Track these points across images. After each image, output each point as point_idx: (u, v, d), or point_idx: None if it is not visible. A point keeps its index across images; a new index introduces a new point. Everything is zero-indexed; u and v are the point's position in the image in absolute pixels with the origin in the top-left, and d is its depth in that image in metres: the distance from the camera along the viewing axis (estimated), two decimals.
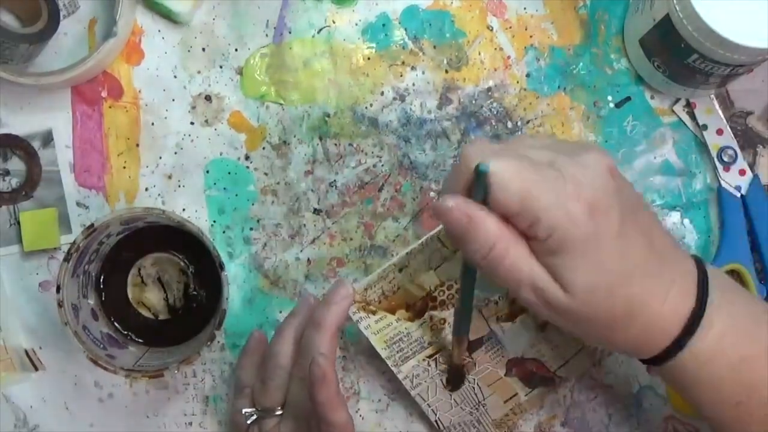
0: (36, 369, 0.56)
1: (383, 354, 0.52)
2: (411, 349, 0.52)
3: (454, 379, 0.53)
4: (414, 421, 0.56)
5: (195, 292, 0.55)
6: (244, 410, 0.50)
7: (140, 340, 0.55)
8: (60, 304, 0.49)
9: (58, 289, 0.49)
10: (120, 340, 0.54)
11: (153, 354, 0.54)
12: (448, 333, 0.52)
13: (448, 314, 0.52)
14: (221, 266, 0.49)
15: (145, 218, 0.51)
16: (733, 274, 0.55)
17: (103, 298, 0.55)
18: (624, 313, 0.39)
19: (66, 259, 0.49)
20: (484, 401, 0.54)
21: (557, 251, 0.37)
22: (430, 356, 0.52)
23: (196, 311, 0.55)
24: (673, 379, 0.42)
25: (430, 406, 0.53)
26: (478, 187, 0.37)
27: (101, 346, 0.51)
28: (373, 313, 0.51)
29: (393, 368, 0.52)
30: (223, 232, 0.56)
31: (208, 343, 0.49)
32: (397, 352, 0.52)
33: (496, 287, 0.52)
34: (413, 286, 0.51)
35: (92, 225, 0.49)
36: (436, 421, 0.54)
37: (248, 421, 0.50)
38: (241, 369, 0.53)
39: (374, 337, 0.51)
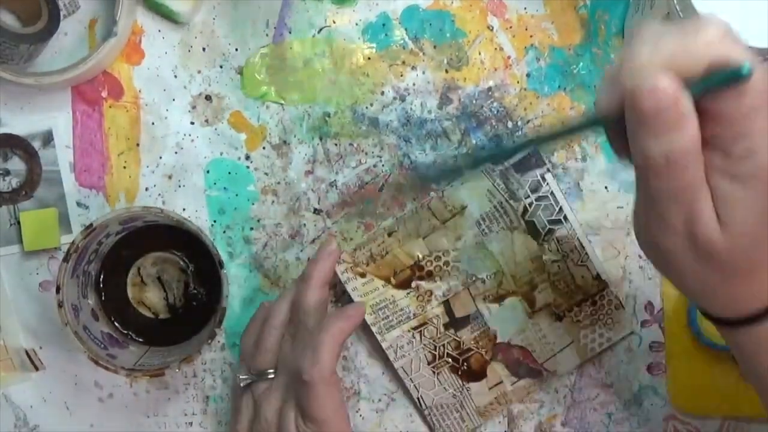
0: (36, 369, 0.56)
1: (369, 320, 0.53)
2: (396, 318, 0.53)
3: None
4: (414, 421, 0.56)
5: (195, 291, 0.55)
6: (238, 375, 0.51)
7: (141, 340, 0.55)
8: (60, 305, 0.49)
9: (58, 289, 0.49)
10: (120, 339, 0.54)
11: (154, 353, 0.54)
12: (434, 306, 0.52)
13: (435, 286, 0.52)
14: (221, 264, 0.49)
15: (144, 217, 0.51)
16: None
17: (103, 298, 0.55)
18: (757, 265, 0.35)
19: (65, 260, 0.49)
20: (468, 385, 0.54)
21: (739, 177, 0.33)
22: (414, 328, 0.53)
23: (196, 310, 0.55)
24: (746, 345, 0.38)
25: (412, 382, 0.54)
26: (707, 82, 0.32)
27: (102, 345, 0.51)
28: (362, 275, 0.52)
29: (377, 335, 0.53)
30: (224, 232, 0.56)
31: (209, 341, 0.49)
32: (383, 319, 0.53)
33: (486, 264, 0.52)
34: (402, 252, 0.52)
35: (91, 225, 0.49)
36: (418, 398, 0.54)
37: (241, 384, 0.50)
38: (246, 335, 0.53)
39: (360, 300, 0.52)
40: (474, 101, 0.56)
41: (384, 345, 0.53)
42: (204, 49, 0.56)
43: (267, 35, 0.56)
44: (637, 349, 0.56)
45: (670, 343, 0.56)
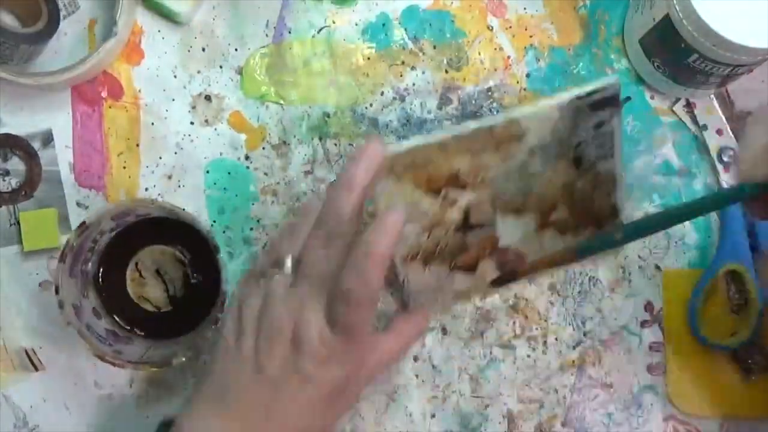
0: (36, 369, 0.56)
1: None
2: (412, 217, 0.50)
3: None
4: (414, 421, 0.56)
5: (194, 281, 0.55)
6: (254, 261, 0.48)
7: (145, 334, 0.55)
8: (61, 305, 0.49)
9: (57, 290, 0.49)
10: (125, 335, 0.54)
11: (159, 345, 0.53)
12: (453, 211, 0.51)
13: (462, 195, 0.51)
14: (216, 249, 0.49)
15: (136, 211, 0.51)
16: (733, 274, 0.55)
17: (104, 296, 0.54)
18: None
19: (61, 260, 0.49)
20: (454, 275, 0.54)
21: None
22: (425, 227, 0.51)
23: (197, 299, 0.55)
24: None
25: (404, 269, 0.52)
26: None
27: (107, 343, 0.51)
28: (397, 178, 0.49)
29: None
30: (223, 232, 0.56)
31: (213, 325, 0.49)
32: None
33: (520, 184, 0.51)
34: (445, 164, 0.49)
35: (84, 223, 0.49)
36: (403, 280, 0.53)
37: (257, 269, 0.47)
38: (277, 232, 0.49)
39: (384, 198, 0.49)
40: (474, 101, 0.56)
41: None
42: (204, 49, 0.56)
43: (267, 35, 0.56)
44: (637, 349, 0.56)
45: (670, 343, 0.56)
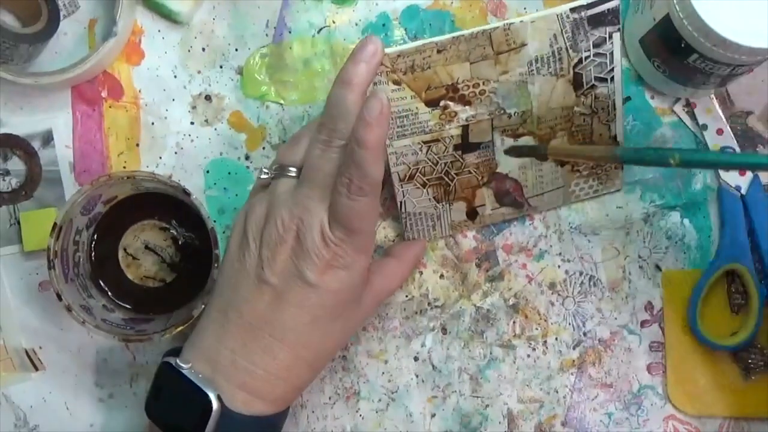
0: (36, 369, 0.56)
1: None
2: (411, 129, 0.51)
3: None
4: (414, 420, 0.56)
5: (183, 240, 0.55)
6: (262, 168, 0.48)
7: (162, 310, 0.54)
8: (69, 309, 0.49)
9: (59, 296, 0.49)
10: (143, 318, 0.54)
11: (179, 311, 0.53)
12: (452, 127, 0.52)
13: (461, 110, 0.51)
14: (187, 193, 0.49)
15: (99, 194, 0.51)
16: (733, 274, 0.55)
17: (108, 292, 0.54)
18: None
19: (51, 267, 0.49)
20: (453, 201, 0.54)
21: None
22: (425, 142, 0.52)
23: (196, 254, 0.54)
24: None
25: (402, 188, 0.53)
26: None
27: (128, 327, 0.51)
28: (395, 83, 0.50)
29: (386, 139, 0.51)
30: (223, 232, 0.56)
31: (215, 264, 0.49)
32: (398, 126, 0.51)
33: (519, 102, 0.52)
34: (444, 70, 0.50)
35: (55, 224, 0.49)
36: (401, 202, 0.54)
37: (261, 176, 0.47)
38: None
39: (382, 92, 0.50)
40: None
41: (389, 150, 0.52)
42: (204, 49, 0.56)
43: (267, 35, 0.56)
44: (637, 349, 0.56)
45: (670, 343, 0.56)
